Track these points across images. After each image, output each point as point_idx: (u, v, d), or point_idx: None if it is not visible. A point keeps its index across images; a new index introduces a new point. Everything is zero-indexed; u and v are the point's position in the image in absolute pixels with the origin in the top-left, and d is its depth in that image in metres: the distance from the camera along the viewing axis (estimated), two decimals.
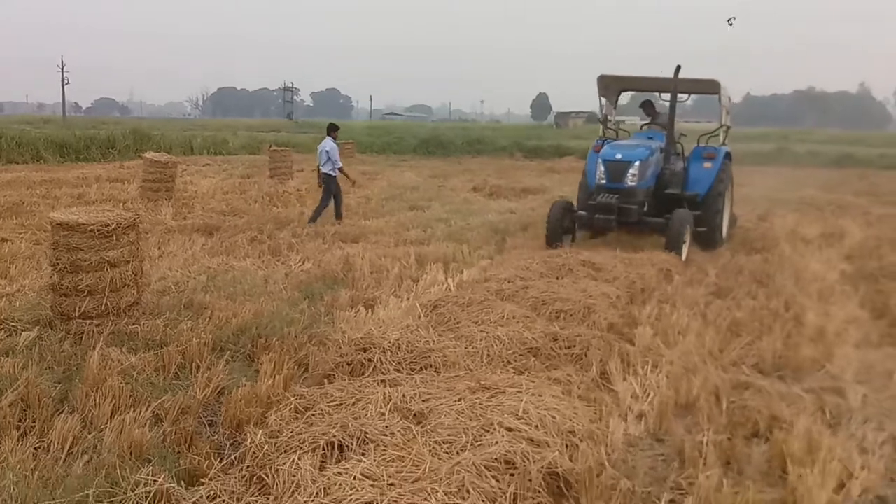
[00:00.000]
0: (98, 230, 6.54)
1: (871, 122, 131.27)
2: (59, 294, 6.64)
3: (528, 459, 4.07)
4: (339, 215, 14.05)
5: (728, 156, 12.53)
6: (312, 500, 3.55)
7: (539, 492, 3.95)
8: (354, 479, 3.69)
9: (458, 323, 6.64)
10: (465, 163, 34.19)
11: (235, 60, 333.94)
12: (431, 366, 5.60)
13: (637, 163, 10.80)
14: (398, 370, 5.54)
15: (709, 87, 12.42)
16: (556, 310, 7.26)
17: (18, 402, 4.76)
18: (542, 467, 4.08)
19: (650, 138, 12.04)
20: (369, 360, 5.62)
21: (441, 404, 4.67)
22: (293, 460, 3.89)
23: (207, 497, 3.73)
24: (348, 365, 5.61)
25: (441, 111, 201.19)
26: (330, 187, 14.03)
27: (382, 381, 5.18)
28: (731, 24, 16.90)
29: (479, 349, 5.90)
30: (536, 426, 4.42)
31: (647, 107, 13.30)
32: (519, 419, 4.46)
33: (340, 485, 3.63)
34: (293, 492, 3.66)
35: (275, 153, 24.20)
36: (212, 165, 28.08)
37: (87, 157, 28.27)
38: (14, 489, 3.71)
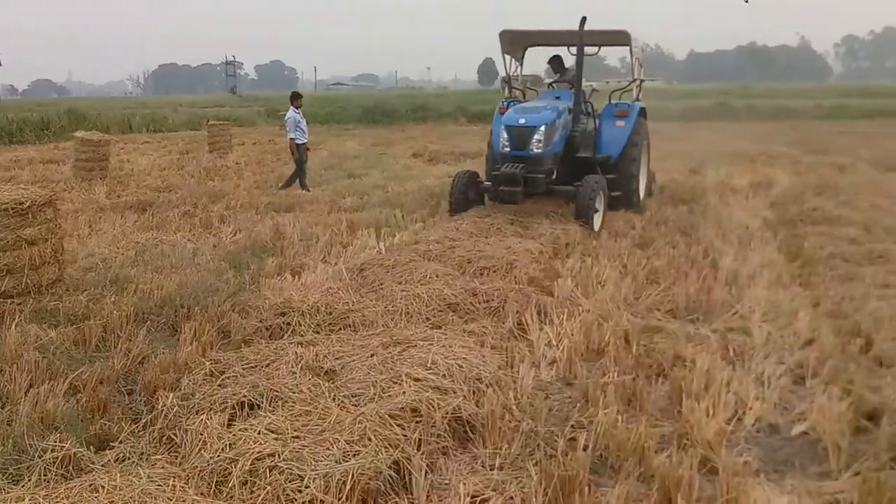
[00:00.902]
0: (12, 209, 6.50)
1: (812, 75, 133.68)
2: None
3: (433, 407, 4.23)
4: (292, 182, 14.62)
5: (643, 112, 11.86)
6: (218, 455, 3.66)
7: (442, 436, 4.10)
8: (259, 433, 3.80)
9: (381, 284, 6.76)
10: (409, 130, 34.16)
11: (177, 37, 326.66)
12: (350, 325, 5.72)
13: (542, 127, 9.96)
14: (317, 332, 5.65)
15: (618, 39, 11.56)
16: (480, 267, 7.43)
17: None
18: (447, 413, 4.24)
19: (557, 98, 11.18)
20: (288, 323, 5.73)
21: (353, 361, 4.80)
22: (202, 420, 3.99)
23: (116, 460, 3.80)
24: (267, 329, 5.70)
25: (388, 80, 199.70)
26: (294, 154, 14.50)
27: (299, 342, 5.30)
28: (747, 2, 16.39)
29: (398, 307, 6.03)
30: (444, 375, 4.58)
31: (555, 63, 12.45)
32: (427, 370, 4.61)
33: (245, 439, 3.75)
34: (200, 448, 3.76)
35: (213, 127, 23.97)
36: (151, 143, 27.67)
37: (21, 140, 27.62)
38: None
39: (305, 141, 14.56)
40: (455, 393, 4.40)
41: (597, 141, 11.24)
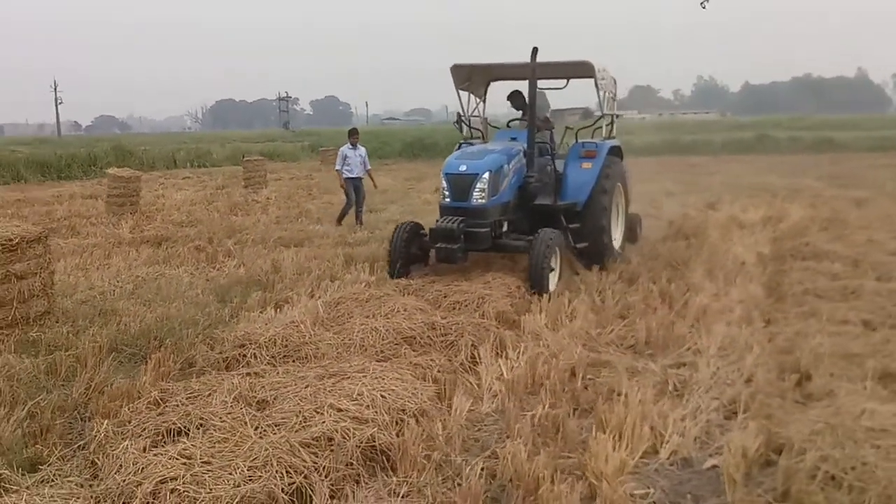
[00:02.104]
0: (2, 245, 6.92)
1: (870, 107, 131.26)
2: None
3: (347, 436, 4.44)
4: (344, 214, 14.81)
5: (615, 152, 10.70)
6: (128, 477, 3.91)
7: (354, 464, 4.30)
8: (170, 458, 4.05)
9: (349, 317, 7.01)
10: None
11: (235, 73, 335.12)
12: (302, 357, 5.98)
13: (486, 174, 8.80)
14: (272, 363, 5.91)
15: (581, 71, 10.42)
16: (454, 301, 7.65)
17: None
18: (361, 442, 4.44)
19: (513, 139, 10.02)
20: (244, 355, 6.00)
21: (287, 391, 5.04)
22: (125, 445, 4.26)
23: (42, 481, 4.09)
24: (224, 361, 5.98)
25: (441, 114, 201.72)
26: (345, 189, 14.63)
27: (248, 373, 5.56)
28: (704, 7, 15.65)
29: (354, 340, 6.27)
30: (367, 406, 4.79)
31: (516, 99, 10.97)
32: (353, 401, 4.83)
33: (156, 464, 4.00)
34: (117, 471, 4.02)
35: (248, 163, 24.67)
36: (191, 178, 28.56)
37: (69, 176, 28.80)
38: None
39: (355, 175, 14.53)
40: (371, 423, 4.58)
41: (561, 185, 9.94)
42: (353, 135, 14.86)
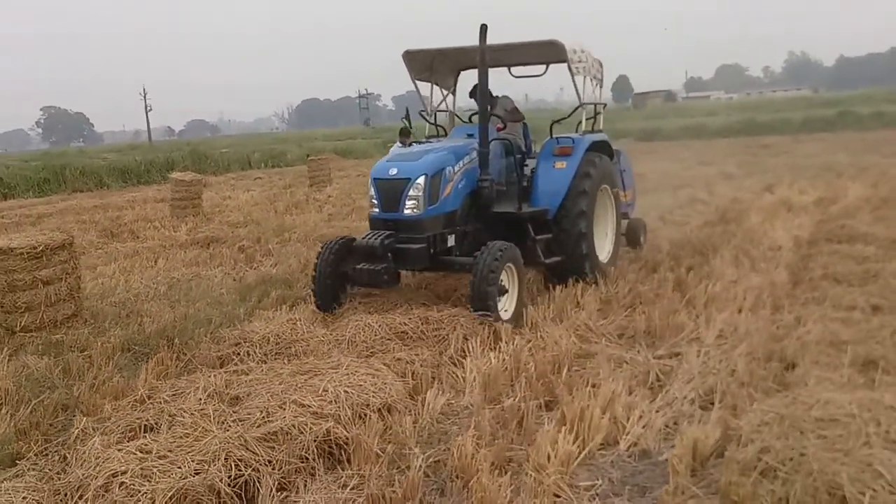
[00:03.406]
0: (28, 252, 7.36)
1: None
2: (2, 311, 7.49)
3: (304, 430, 4.59)
4: None
5: (600, 147, 9.10)
6: (87, 471, 4.16)
7: (306, 458, 4.46)
8: (128, 453, 4.28)
9: (352, 314, 7.17)
10: None
11: (320, 73, 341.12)
12: (293, 354, 6.17)
13: (420, 179, 7.38)
14: (263, 360, 6.12)
15: (547, 53, 8.97)
16: (462, 294, 7.70)
17: None
18: (317, 436, 4.59)
19: (470, 135, 8.56)
20: (237, 353, 6.23)
21: (260, 388, 5.22)
22: (93, 441, 4.52)
23: (16, 475, 4.39)
24: (219, 359, 6.22)
25: (524, 103, 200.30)
26: None
27: (235, 370, 5.78)
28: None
29: (346, 337, 6.42)
30: (331, 401, 4.94)
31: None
32: (319, 396, 4.98)
33: (115, 458, 4.23)
34: (81, 465, 4.28)
35: (312, 162, 25.20)
36: (262, 179, 29.31)
37: (148, 181, 29.95)
38: None
39: None
40: (329, 418, 4.73)
41: (528, 189, 8.55)
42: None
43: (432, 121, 9.79)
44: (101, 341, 6.95)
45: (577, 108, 9.07)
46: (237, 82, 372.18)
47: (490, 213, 8.13)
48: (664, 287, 8.04)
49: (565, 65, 8.56)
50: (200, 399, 5.07)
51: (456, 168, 7.78)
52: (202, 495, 3.95)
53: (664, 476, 4.31)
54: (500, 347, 6.41)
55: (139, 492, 3.90)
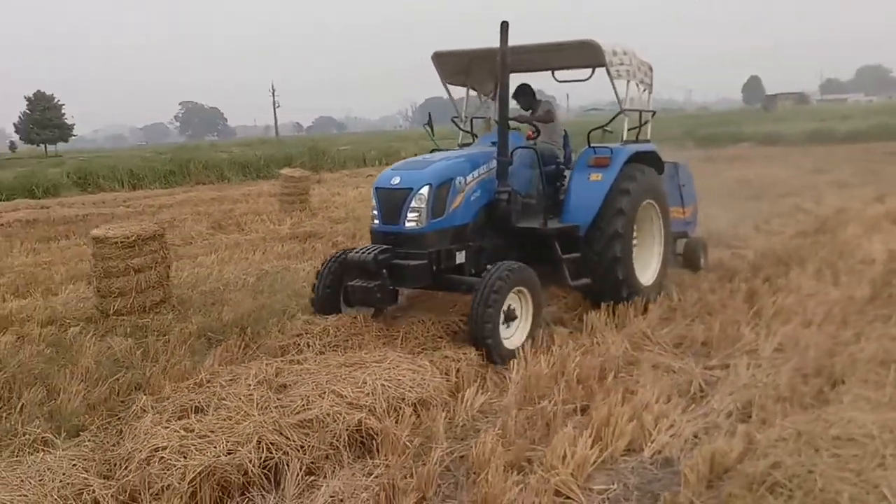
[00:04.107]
0: (121, 242, 7.94)
1: None
2: (98, 296, 8.12)
3: (338, 419, 4.85)
4: None
5: (646, 159, 8.32)
6: (136, 444, 4.54)
7: (335, 446, 4.71)
8: (173, 430, 4.63)
9: (411, 311, 7.41)
10: None
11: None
12: (349, 347, 6.44)
13: (424, 189, 6.82)
14: (321, 351, 6.41)
15: (583, 55, 8.24)
16: None
17: (9, 377, 6.12)
18: (350, 426, 4.84)
19: (495, 143, 7.51)
20: (297, 343, 6.55)
21: (308, 377, 5.51)
22: (147, 418, 4.91)
23: (76, 444, 4.81)
24: (281, 348, 6.56)
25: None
26: None
27: (290, 360, 6.10)
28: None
29: (399, 333, 6.66)
30: (368, 393, 5.17)
31: (523, 94, 8.77)
32: (357, 388, 5.22)
33: (160, 435, 4.59)
34: (132, 439, 4.67)
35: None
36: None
37: (266, 175, 31.19)
38: None
39: None
40: (363, 409, 4.96)
41: (556, 202, 7.95)
42: None
43: (466, 128, 9.13)
44: (181, 327, 7.44)
45: (616, 115, 8.18)
46: (365, 80, 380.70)
47: (512, 229, 7.48)
48: (734, 297, 7.92)
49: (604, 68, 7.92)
50: (250, 385, 5.39)
51: (469, 178, 7.16)
52: (230, 474, 4.25)
53: (681, 485, 4.34)
54: (552, 351, 6.50)
55: (174, 466, 4.23)
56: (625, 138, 8.27)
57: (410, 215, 6.84)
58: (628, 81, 8.16)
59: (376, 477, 4.44)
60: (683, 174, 9.94)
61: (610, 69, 7.84)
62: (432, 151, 8.12)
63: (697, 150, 34.53)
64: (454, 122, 9.16)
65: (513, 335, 6.66)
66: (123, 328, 7.64)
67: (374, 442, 4.85)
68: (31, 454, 4.53)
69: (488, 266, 6.65)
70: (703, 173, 22.02)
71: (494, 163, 7.32)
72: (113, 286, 7.98)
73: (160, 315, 8.08)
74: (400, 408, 5.16)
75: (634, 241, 8.03)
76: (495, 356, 6.30)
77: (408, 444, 4.77)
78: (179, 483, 4.10)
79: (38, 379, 6.15)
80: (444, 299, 7.73)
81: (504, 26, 6.99)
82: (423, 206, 6.82)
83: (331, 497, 4.22)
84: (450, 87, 9.04)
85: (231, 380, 5.64)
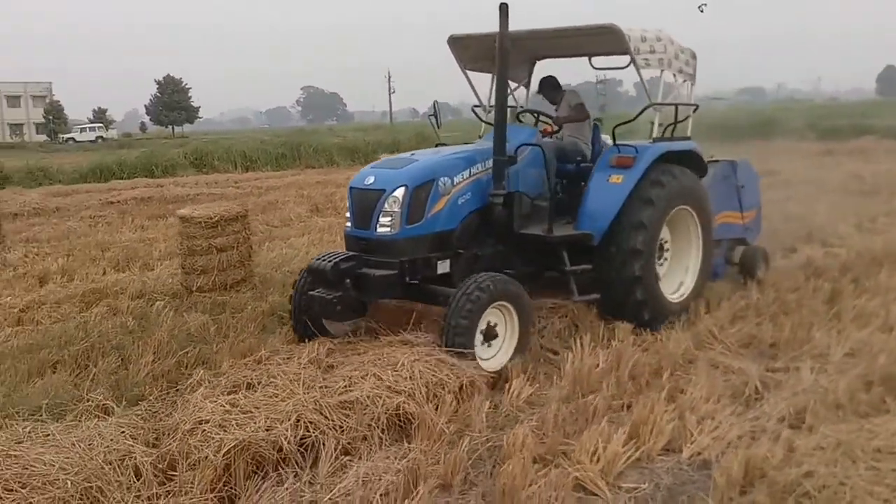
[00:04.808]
0: (205, 222, 8.29)
1: None
2: (183, 272, 8.52)
3: (377, 402, 4.95)
4: None
5: (683, 159, 7.46)
6: (183, 416, 4.76)
7: (372, 426, 4.82)
8: (219, 405, 4.83)
9: None
10: (743, 147, 32.82)
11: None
12: (402, 330, 6.48)
13: (398, 191, 6.19)
14: (376, 334, 6.52)
15: (604, 43, 7.57)
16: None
17: (88, 347, 6.51)
18: (389, 409, 4.93)
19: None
20: (358, 326, 6.70)
21: (356, 358, 5.64)
22: (199, 392, 5.14)
23: (133, 412, 5.09)
24: (354, 333, 6.69)
25: (775, 94, 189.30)
26: None
27: (345, 341, 6.24)
28: (701, 11, 12.29)
29: None
30: (407, 378, 5.24)
31: (547, 86, 8.12)
32: (395, 371, 5.30)
33: (206, 408, 4.80)
34: (181, 410, 4.90)
35: None
36: None
37: (374, 160, 31.67)
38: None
39: None
40: (402, 393, 5.04)
41: (574, 206, 7.10)
42: None
43: (489, 118, 7.94)
44: (255, 306, 7.71)
45: (644, 110, 7.29)
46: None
47: (515, 235, 6.83)
48: (815, 297, 7.59)
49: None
50: (301, 364, 5.57)
51: (457, 179, 6.49)
52: (264, 449, 4.41)
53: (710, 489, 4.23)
54: (612, 345, 6.41)
55: (212, 439, 4.42)
56: (654, 136, 7.40)
57: (383, 220, 6.22)
58: (662, 71, 7.33)
59: (410, 461, 4.51)
60: (744, 174, 9.00)
61: (636, 57, 6.99)
62: (437, 146, 7.54)
63: (817, 143, 33.12)
64: (474, 111, 8.22)
65: (493, 356, 5.99)
66: (203, 304, 7.97)
67: (411, 426, 4.93)
68: (88, 420, 4.82)
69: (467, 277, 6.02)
70: (816, 166, 21.15)
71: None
72: (196, 264, 8.35)
73: (239, 293, 8.39)
74: (440, 394, 5.22)
75: (666, 252, 7.46)
76: (484, 372, 5.65)
77: (445, 430, 4.83)
78: (214, 455, 4.28)
79: (115, 349, 6.51)
80: None
81: (503, 8, 6.22)
82: (396, 209, 6.18)
83: (360, 478, 4.31)
84: (470, 73, 8.14)
85: (287, 358, 5.84)
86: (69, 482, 3.94)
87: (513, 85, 8.26)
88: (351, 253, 6.36)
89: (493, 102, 7.70)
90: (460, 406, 5.19)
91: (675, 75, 7.63)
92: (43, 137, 78.72)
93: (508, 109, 7.65)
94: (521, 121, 7.93)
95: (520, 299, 6.09)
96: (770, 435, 4.70)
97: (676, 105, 7.68)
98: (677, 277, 7.56)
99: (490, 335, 5.96)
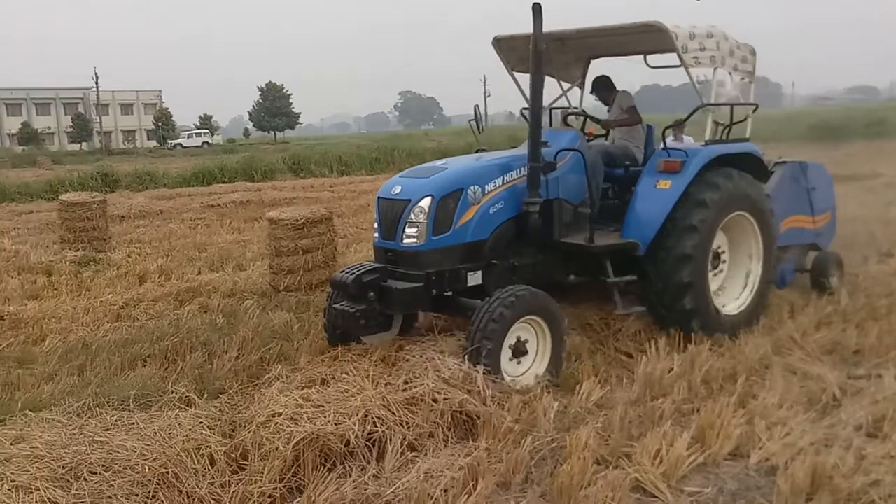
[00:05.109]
0: (291, 224, 8.58)
1: None
2: (271, 272, 8.84)
3: (438, 399, 5.05)
4: None
5: (740, 162, 7.05)
6: (259, 409, 4.97)
7: (437, 423, 4.92)
8: (292, 399, 5.01)
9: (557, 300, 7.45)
10: (846, 149, 31.58)
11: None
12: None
13: (425, 201, 5.99)
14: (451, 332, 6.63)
15: (650, 41, 7.24)
16: None
17: (178, 342, 6.84)
18: (452, 406, 5.03)
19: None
20: (436, 324, 6.83)
21: (420, 355, 5.73)
22: (275, 386, 5.35)
23: (214, 406, 5.32)
24: (420, 325, 6.84)
25: (890, 91, 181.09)
26: None
27: (416, 339, 6.35)
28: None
29: None
30: (473, 376, 5.31)
31: (600, 87, 7.84)
32: (450, 369, 5.36)
33: (280, 402, 4.98)
34: (258, 404, 5.11)
35: None
36: None
37: None
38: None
39: None
40: (463, 389, 5.12)
41: (623, 214, 6.77)
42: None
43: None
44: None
45: (695, 111, 6.96)
46: None
47: (555, 244, 6.58)
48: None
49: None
50: (373, 361, 5.72)
51: (489, 187, 6.22)
52: (332, 443, 4.56)
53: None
54: (688, 349, 6.33)
55: (283, 431, 4.60)
56: (707, 137, 7.04)
57: (409, 230, 6.01)
58: (715, 69, 6.92)
59: (473, 458, 4.59)
60: (815, 176, 8.49)
61: (683, 56, 6.58)
62: (477, 151, 7.28)
63: None
64: (523, 115, 7.56)
65: (524, 372, 5.73)
66: (289, 303, 8.25)
67: (476, 424, 5.01)
68: (170, 410, 5.08)
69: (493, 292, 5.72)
70: None
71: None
72: (283, 264, 8.65)
73: (324, 292, 8.60)
74: (508, 393, 5.28)
75: (723, 261, 7.11)
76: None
77: (511, 428, 4.88)
78: (284, 447, 4.46)
79: (203, 345, 6.82)
80: (588, 290, 7.66)
81: (536, 8, 5.95)
82: (422, 220, 5.97)
83: (424, 474, 4.41)
84: (518, 74, 7.75)
85: (360, 355, 6.00)
86: (147, 467, 4.18)
87: (566, 85, 8.09)
88: (376, 265, 6.17)
89: (553, 106, 7.84)
90: (528, 406, 5.22)
91: (730, 73, 7.25)
92: (153, 143, 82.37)
93: (559, 112, 7.77)
94: (568, 124, 7.44)
95: (550, 313, 5.81)
96: (843, 443, 4.59)
97: (732, 105, 7.31)
98: (736, 288, 7.17)
99: (520, 352, 5.70)
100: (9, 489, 3.94)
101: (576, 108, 8.00)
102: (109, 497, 3.95)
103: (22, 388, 6.03)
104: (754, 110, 7.45)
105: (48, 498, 3.88)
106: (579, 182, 6.71)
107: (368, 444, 4.71)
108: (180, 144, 74.83)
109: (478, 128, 7.36)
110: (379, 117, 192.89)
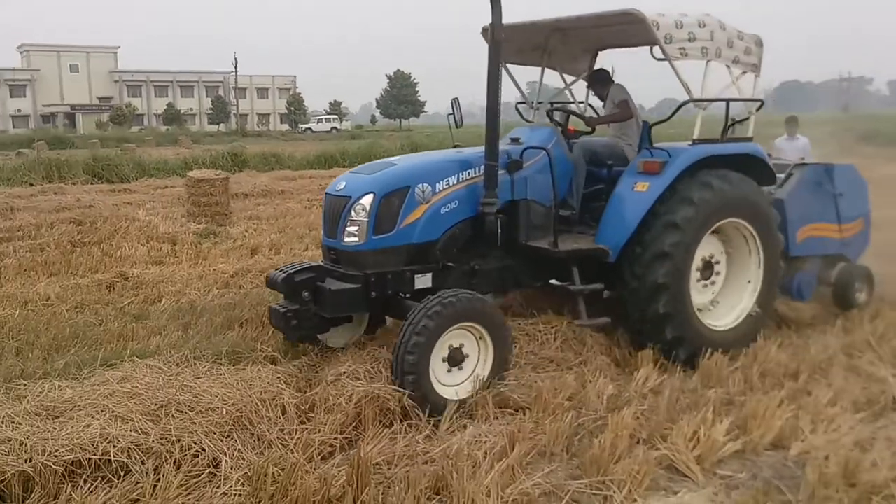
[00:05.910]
0: None
1: None
2: None
3: None
4: None
5: (736, 163, 6.43)
6: (331, 369, 5.44)
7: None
8: (360, 362, 5.45)
9: None
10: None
11: (801, 51, 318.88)
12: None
13: (365, 199, 5.69)
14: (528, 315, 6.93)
15: (631, 33, 6.69)
16: None
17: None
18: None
19: (513, 141, 6.61)
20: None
21: None
22: (350, 351, 5.81)
23: (293, 364, 5.77)
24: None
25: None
26: None
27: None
28: None
29: None
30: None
31: (596, 82, 7.35)
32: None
33: (348, 363, 5.43)
34: (331, 364, 5.59)
35: None
36: None
37: None
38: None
39: None
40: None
41: (591, 217, 6.51)
42: (789, 123, 13.19)
43: (534, 117, 7.52)
44: None
45: (680, 106, 6.45)
46: None
47: (522, 248, 6.18)
48: None
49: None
50: None
51: (441, 186, 5.86)
52: (389, 402, 4.97)
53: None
54: (757, 343, 6.41)
55: (346, 388, 5.04)
56: (696, 136, 6.35)
57: (349, 229, 5.73)
58: (708, 62, 6.27)
59: (520, 431, 4.88)
60: (843, 180, 7.63)
61: (665, 48, 6.00)
62: (454, 147, 6.76)
63: None
64: (517, 110, 7.44)
65: (462, 382, 5.32)
66: None
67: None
68: (255, 366, 5.61)
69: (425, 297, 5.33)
70: None
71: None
72: None
73: None
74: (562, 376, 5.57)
75: (717, 273, 6.55)
76: (425, 409, 5.00)
77: (561, 404, 5.16)
78: (346, 403, 4.91)
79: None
80: None
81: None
82: (363, 218, 5.67)
83: (470, 437, 4.74)
84: (516, 67, 7.39)
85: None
86: (226, 411, 4.70)
87: (570, 79, 7.72)
88: (314, 263, 5.97)
89: (540, 99, 7.49)
90: (583, 388, 5.46)
91: (728, 66, 6.53)
92: (285, 127, 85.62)
93: (547, 105, 7.27)
94: (551, 118, 6.84)
95: (490, 319, 5.39)
96: (886, 442, 4.64)
97: (727, 101, 6.58)
98: (727, 303, 6.60)
99: (455, 360, 5.30)
100: (109, 418, 4.52)
101: (562, 102, 7.54)
102: (191, 432, 4.47)
103: (134, 339, 6.71)
104: (759, 107, 6.86)
105: (140, 428, 4.42)
106: (542, 181, 6.27)
107: (415, 410, 5.02)
108: (310, 129, 77.48)
109: (455, 122, 6.80)
110: (507, 107, 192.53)
